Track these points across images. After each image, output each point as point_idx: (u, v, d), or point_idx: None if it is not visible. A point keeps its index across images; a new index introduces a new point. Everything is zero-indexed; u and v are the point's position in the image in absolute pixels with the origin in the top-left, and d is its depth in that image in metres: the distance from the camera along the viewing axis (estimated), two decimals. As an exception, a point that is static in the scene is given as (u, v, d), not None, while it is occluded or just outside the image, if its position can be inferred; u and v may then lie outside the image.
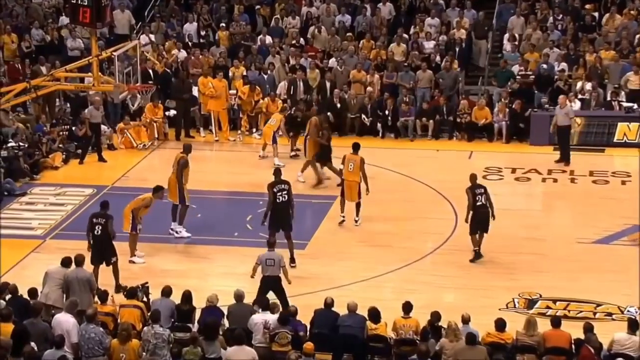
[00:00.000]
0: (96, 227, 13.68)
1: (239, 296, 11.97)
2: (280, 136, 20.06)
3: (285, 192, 14.67)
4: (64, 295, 12.19)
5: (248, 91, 21.61)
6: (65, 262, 12.45)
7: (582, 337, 11.23)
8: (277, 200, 14.60)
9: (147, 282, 12.61)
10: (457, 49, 23.20)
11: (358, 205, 16.47)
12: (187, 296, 11.94)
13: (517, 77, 22.23)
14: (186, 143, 17.04)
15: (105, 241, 13.68)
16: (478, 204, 14.95)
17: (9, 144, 19.19)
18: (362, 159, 16.34)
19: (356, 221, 16.59)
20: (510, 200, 17.69)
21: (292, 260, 14.74)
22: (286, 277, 13.03)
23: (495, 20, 24.53)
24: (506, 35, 23.65)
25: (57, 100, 22.78)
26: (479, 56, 23.82)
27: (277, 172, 15.11)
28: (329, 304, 11.83)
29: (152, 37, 24.04)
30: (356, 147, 16.67)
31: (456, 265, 15.06)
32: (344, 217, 16.59)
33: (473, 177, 15.38)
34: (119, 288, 13.32)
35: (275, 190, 14.66)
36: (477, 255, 15.17)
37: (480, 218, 14.98)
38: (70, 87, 20.25)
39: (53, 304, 12.11)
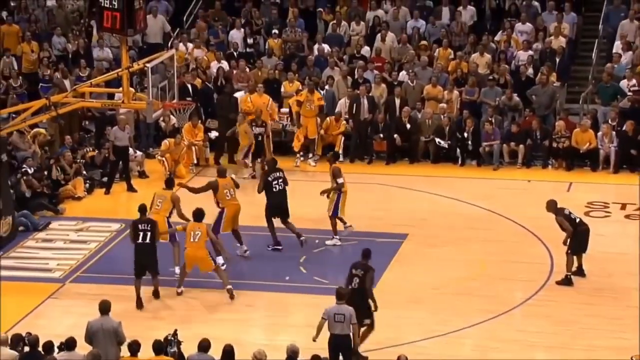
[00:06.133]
0: (354, 280, 13.45)
1: (293, 352, 11.93)
2: None
3: (281, 180, 17.04)
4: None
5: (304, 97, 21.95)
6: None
7: None
8: (274, 190, 16.93)
9: (176, 330, 12.66)
10: (556, 60, 23.04)
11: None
12: (228, 353, 11.89)
13: (629, 93, 21.97)
14: (220, 167, 17.92)
15: (361, 295, 13.36)
16: (577, 221, 15.83)
17: (23, 170, 19.62)
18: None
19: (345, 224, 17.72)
20: (619, 243, 17.44)
21: (299, 239, 16.95)
22: (355, 336, 12.86)
23: (601, 26, 24.37)
24: (617, 44, 23.43)
25: (85, 122, 23.34)
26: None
27: (272, 162, 17.34)
28: (401, 363, 11.79)
29: (190, 45, 24.45)
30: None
31: (552, 320, 14.86)
32: (350, 225, 17.65)
33: (553, 204, 16.02)
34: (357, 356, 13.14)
35: (270, 179, 16.96)
36: (569, 281, 15.80)
37: (582, 237, 15.78)
38: (96, 104, 20.63)
39: None
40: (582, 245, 15.89)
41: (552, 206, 15.97)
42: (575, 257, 15.93)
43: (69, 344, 11.94)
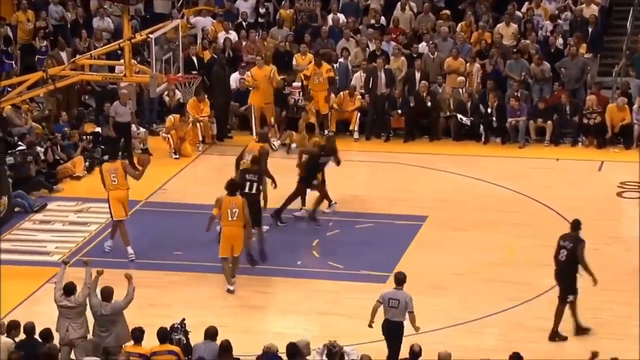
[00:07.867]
0: (561, 252, 13.81)
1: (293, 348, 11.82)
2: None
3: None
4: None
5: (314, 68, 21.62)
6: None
7: None
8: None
9: (184, 319, 12.65)
10: (588, 30, 22.81)
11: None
12: (225, 348, 11.77)
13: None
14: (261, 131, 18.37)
15: (569, 269, 13.80)
16: None
17: (19, 148, 19.54)
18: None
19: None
20: (653, 226, 17.28)
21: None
22: (413, 324, 12.87)
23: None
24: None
25: (85, 96, 23.28)
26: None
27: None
28: (416, 352, 11.77)
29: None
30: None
31: (582, 307, 14.69)
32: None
33: None
34: (554, 335, 13.73)
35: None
36: None
37: None
38: (96, 77, 20.60)
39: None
40: None
41: None
42: None
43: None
